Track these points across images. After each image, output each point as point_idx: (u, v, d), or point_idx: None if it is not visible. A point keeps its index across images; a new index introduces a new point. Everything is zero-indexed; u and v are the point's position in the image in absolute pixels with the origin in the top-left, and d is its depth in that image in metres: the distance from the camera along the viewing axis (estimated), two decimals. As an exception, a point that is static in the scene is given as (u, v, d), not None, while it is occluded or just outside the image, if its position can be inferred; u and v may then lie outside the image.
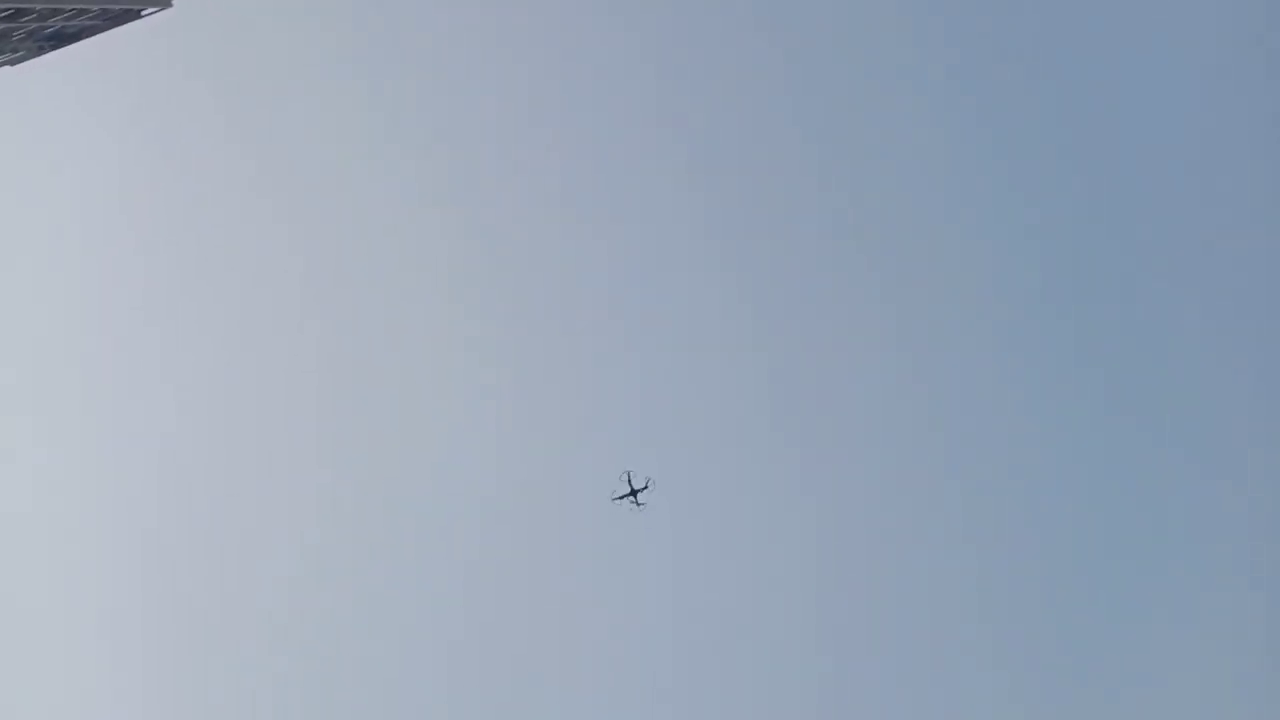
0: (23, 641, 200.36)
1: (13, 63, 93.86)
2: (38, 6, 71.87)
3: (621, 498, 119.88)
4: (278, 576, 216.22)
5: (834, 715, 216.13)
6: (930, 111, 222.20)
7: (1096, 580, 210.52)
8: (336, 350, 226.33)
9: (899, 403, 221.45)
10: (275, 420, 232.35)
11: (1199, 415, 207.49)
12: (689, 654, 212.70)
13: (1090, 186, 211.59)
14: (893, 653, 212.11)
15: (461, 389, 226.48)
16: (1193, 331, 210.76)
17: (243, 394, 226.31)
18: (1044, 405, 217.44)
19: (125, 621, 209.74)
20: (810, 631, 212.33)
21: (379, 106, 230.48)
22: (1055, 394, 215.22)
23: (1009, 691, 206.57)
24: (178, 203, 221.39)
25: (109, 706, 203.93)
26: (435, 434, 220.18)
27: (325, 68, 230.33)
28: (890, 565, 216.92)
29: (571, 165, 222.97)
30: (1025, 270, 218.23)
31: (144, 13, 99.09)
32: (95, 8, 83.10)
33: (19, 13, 73.35)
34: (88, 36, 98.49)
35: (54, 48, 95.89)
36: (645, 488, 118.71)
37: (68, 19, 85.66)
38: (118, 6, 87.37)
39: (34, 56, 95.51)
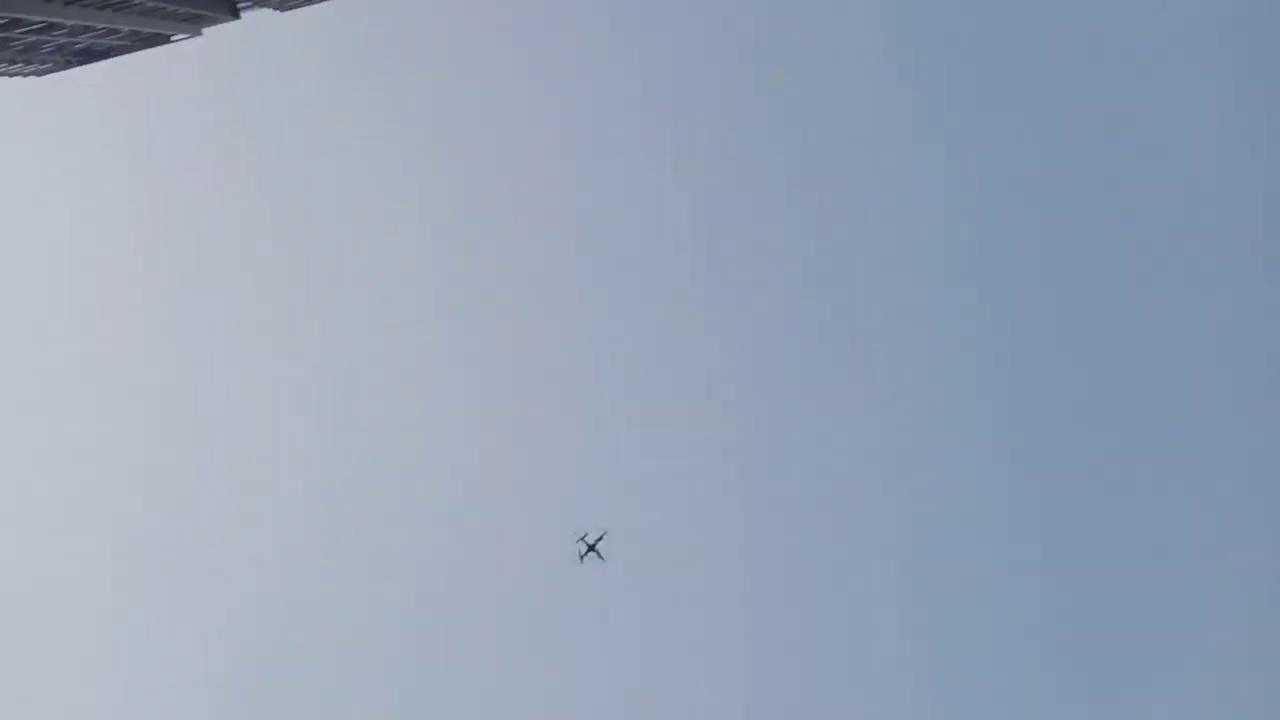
0: (23, 641, 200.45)
1: (39, 74, 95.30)
2: (70, 22, 73.21)
3: (584, 556, 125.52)
4: (271, 575, 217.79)
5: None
6: (918, 112, 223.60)
7: (1095, 580, 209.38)
8: (339, 357, 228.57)
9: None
10: (267, 421, 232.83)
11: (1199, 415, 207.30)
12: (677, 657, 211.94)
13: (1083, 187, 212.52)
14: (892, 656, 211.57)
15: (452, 393, 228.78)
16: (1193, 331, 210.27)
17: (255, 399, 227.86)
18: (1040, 406, 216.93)
19: (124, 621, 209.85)
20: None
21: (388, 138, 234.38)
22: (1051, 394, 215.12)
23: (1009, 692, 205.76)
24: (175, 216, 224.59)
25: (110, 706, 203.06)
26: (426, 437, 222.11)
27: (339, 112, 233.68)
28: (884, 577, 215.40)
29: (562, 170, 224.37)
30: (1012, 267, 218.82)
31: (173, 38, 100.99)
32: (126, 29, 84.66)
33: (51, 26, 74.68)
34: (115, 55, 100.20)
35: (81, 63, 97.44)
36: (600, 539, 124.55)
37: (98, 37, 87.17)
38: (148, 30, 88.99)
39: (60, 70, 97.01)
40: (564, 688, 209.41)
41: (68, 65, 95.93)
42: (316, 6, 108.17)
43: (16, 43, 76.76)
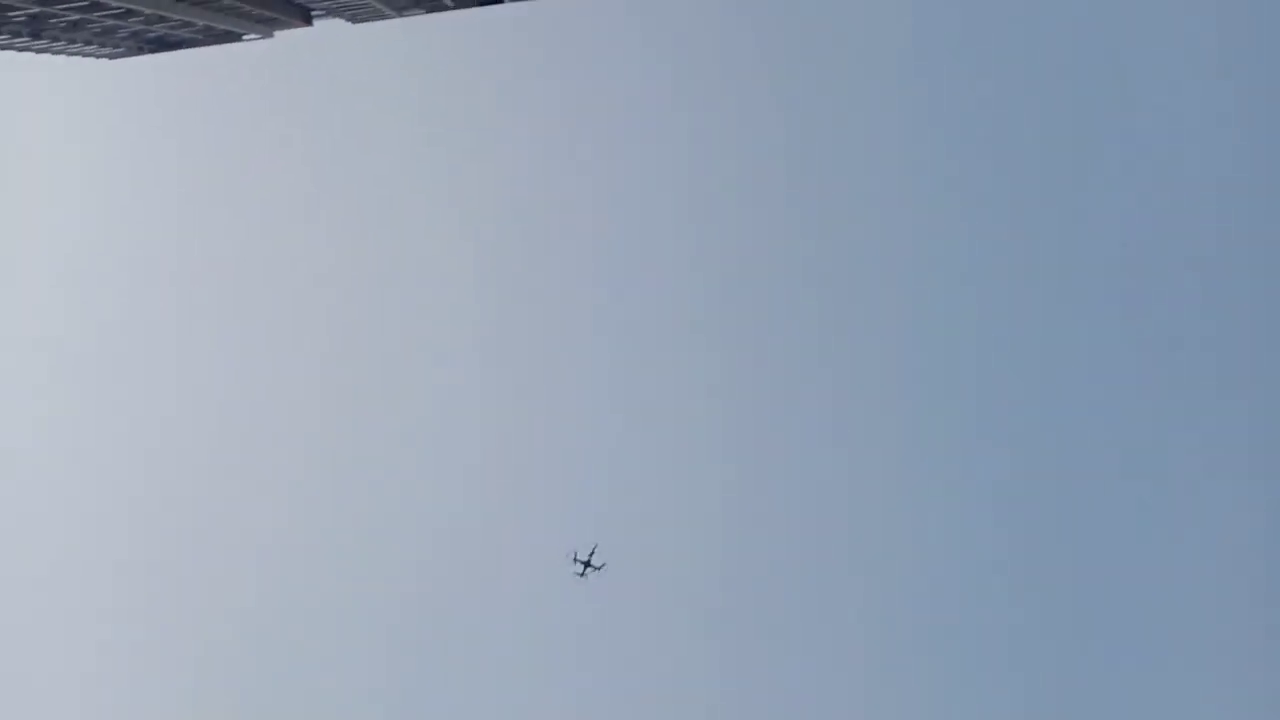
0: (23, 642, 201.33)
1: (112, 57, 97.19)
2: (147, 10, 74.83)
3: (583, 574, 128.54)
4: (275, 578, 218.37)
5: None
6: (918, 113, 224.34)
7: (1096, 579, 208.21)
8: (369, 360, 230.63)
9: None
10: (277, 423, 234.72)
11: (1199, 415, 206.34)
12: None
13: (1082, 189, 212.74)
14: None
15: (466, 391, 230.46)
16: (1193, 331, 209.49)
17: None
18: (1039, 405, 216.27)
19: (127, 622, 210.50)
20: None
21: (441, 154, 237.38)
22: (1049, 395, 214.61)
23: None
24: (218, 208, 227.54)
25: (110, 706, 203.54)
26: (433, 441, 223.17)
27: (394, 124, 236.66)
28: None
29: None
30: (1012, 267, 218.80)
31: (245, 37, 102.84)
32: (201, 23, 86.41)
33: (129, 13, 76.35)
34: (187, 48, 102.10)
35: (153, 51, 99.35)
36: (592, 553, 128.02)
37: (172, 28, 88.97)
38: (222, 27, 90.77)
39: (132, 55, 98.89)
40: (568, 694, 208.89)
41: (139, 51, 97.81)
42: (387, 21, 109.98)
43: (95, 25, 78.47)
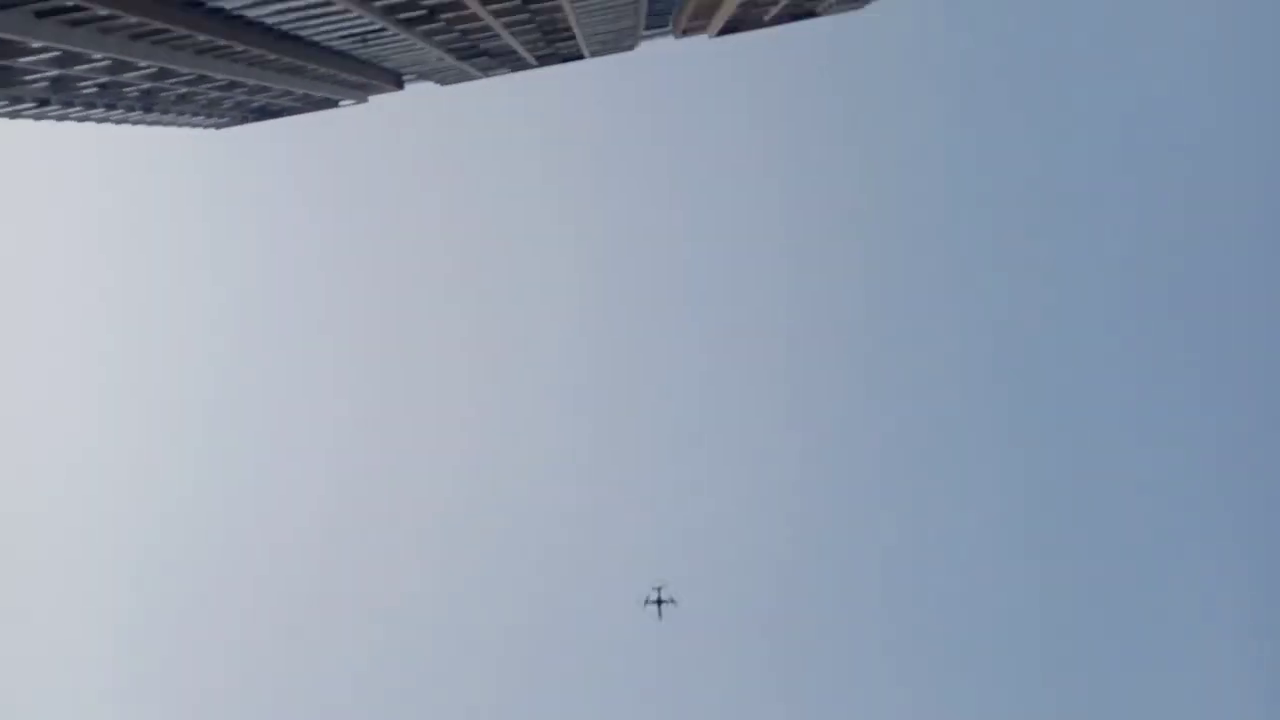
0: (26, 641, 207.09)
1: (218, 127, 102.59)
2: (250, 82, 79.35)
3: (650, 603, 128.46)
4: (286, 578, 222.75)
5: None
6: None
7: (1095, 579, 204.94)
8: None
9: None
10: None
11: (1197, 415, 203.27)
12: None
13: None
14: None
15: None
16: (1193, 332, 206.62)
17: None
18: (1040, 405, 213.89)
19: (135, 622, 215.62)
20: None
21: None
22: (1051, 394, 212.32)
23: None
24: (315, 259, 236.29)
25: (110, 707, 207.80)
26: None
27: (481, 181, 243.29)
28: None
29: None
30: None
31: (341, 103, 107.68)
32: (300, 91, 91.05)
33: (233, 84, 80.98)
34: (288, 115, 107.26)
35: (257, 119, 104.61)
36: (671, 601, 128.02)
37: (274, 97, 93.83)
38: (319, 94, 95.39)
39: (236, 125, 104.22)
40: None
41: (244, 121, 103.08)
42: (473, 83, 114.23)
43: (201, 97, 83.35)
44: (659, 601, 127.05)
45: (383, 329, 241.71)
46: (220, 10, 56.60)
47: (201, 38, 57.84)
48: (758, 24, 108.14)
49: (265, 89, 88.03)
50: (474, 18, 72.75)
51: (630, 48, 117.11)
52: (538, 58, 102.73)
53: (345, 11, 60.89)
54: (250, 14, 59.72)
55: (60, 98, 63.33)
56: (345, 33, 71.23)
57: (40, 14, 44.16)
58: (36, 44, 46.27)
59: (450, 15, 69.78)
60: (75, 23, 47.43)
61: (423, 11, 66.39)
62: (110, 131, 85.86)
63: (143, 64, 60.07)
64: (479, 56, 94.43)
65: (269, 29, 65.29)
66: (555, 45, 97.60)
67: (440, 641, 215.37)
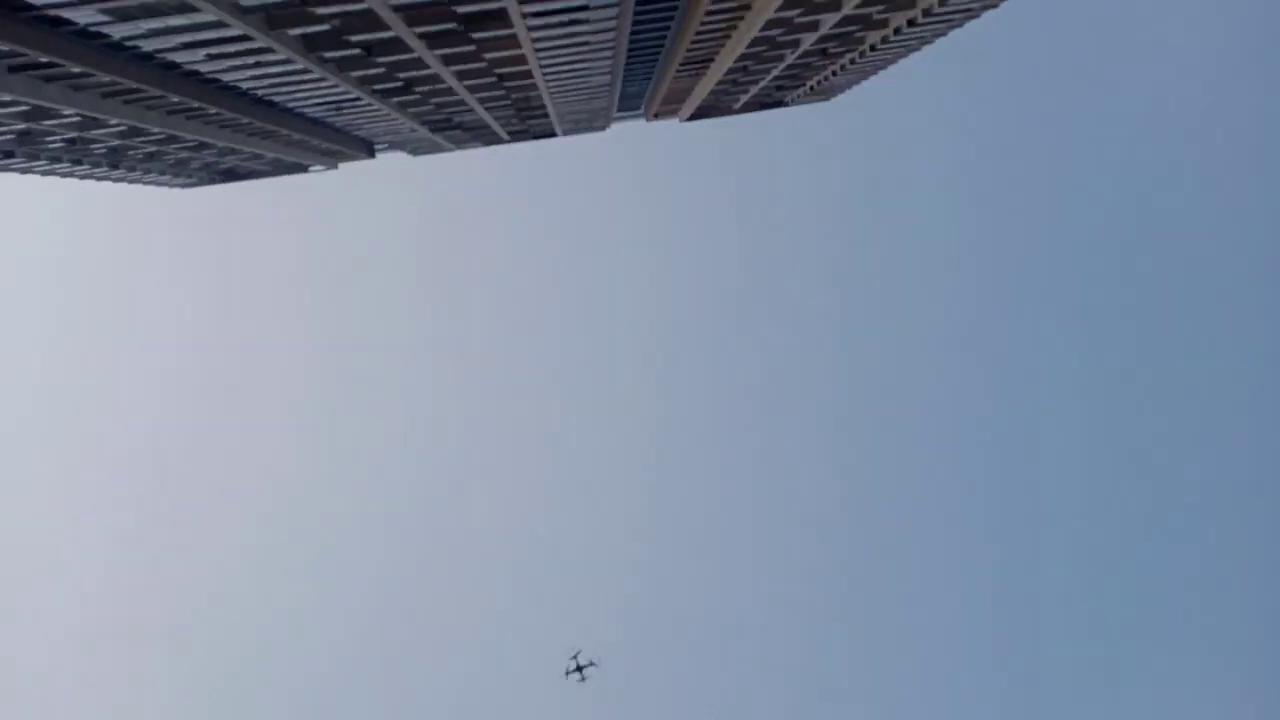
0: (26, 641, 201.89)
1: (184, 186, 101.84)
2: (220, 143, 78.89)
3: (570, 672, 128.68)
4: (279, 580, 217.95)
5: None
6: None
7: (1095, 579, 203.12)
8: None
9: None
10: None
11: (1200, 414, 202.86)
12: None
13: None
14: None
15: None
16: (1193, 332, 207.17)
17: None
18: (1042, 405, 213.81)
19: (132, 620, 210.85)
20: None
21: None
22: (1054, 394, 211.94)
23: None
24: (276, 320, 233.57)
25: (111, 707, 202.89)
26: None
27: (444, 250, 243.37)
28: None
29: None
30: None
31: (311, 169, 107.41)
32: (271, 155, 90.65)
33: (203, 145, 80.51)
34: (255, 178, 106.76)
35: (223, 181, 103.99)
36: (591, 664, 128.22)
37: (243, 160, 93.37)
38: (290, 159, 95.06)
39: (202, 185, 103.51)
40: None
41: (210, 182, 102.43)
42: (443, 155, 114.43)
43: (169, 157, 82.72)
44: (579, 668, 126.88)
45: (339, 391, 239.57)
46: (195, 74, 56.30)
47: (174, 99, 57.47)
48: (728, 111, 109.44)
49: (234, 151, 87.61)
50: (449, 91, 72.97)
51: (602, 128, 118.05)
52: (510, 133, 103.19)
53: (322, 80, 60.82)
54: (225, 79, 59.49)
55: (25, 150, 62.52)
56: (320, 100, 71.12)
57: (13, 69, 43.63)
58: (6, 97, 45.67)
59: (426, 89, 69.96)
60: (48, 79, 46.92)
61: (399, 84, 66.50)
62: (75, 186, 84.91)
63: (113, 121, 59.50)
64: (452, 129, 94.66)
65: (243, 94, 65.05)
66: (528, 122, 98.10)
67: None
